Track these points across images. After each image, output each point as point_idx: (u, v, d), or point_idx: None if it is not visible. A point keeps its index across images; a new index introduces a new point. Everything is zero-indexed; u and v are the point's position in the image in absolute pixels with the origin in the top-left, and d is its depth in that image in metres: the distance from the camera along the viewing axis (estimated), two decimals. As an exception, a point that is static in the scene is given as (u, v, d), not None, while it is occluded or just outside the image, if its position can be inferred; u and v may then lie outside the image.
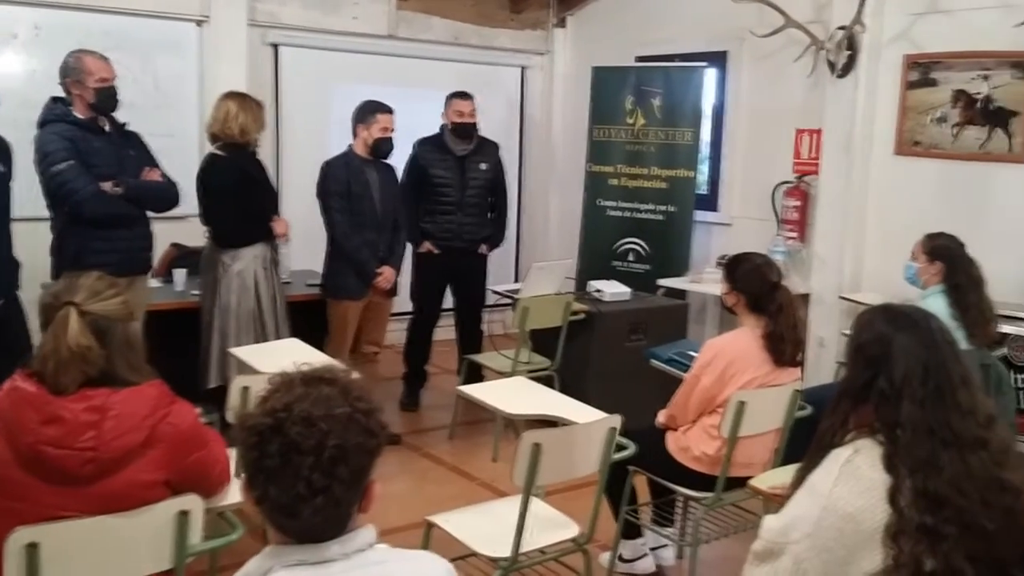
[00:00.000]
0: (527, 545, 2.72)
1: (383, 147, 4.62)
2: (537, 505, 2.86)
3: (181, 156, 5.08)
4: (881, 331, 1.82)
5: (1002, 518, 1.68)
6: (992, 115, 4.90)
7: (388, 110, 4.64)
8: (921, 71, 5.18)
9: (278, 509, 1.36)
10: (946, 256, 3.76)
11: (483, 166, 5.36)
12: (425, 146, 5.32)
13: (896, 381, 1.75)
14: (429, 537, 2.86)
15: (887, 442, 1.74)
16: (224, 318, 4.20)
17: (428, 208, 5.27)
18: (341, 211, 4.57)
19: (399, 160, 5.09)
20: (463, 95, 5.30)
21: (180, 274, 4.67)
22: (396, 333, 5.72)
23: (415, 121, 5.93)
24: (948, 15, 5.03)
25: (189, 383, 4.01)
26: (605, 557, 3.47)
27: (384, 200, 4.68)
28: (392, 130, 4.63)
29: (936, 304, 3.64)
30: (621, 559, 3.50)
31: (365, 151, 4.63)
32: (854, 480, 1.73)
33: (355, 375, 1.46)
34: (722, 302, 3.44)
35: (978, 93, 4.95)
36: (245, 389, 2.75)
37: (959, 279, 3.70)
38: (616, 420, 2.78)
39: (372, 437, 1.39)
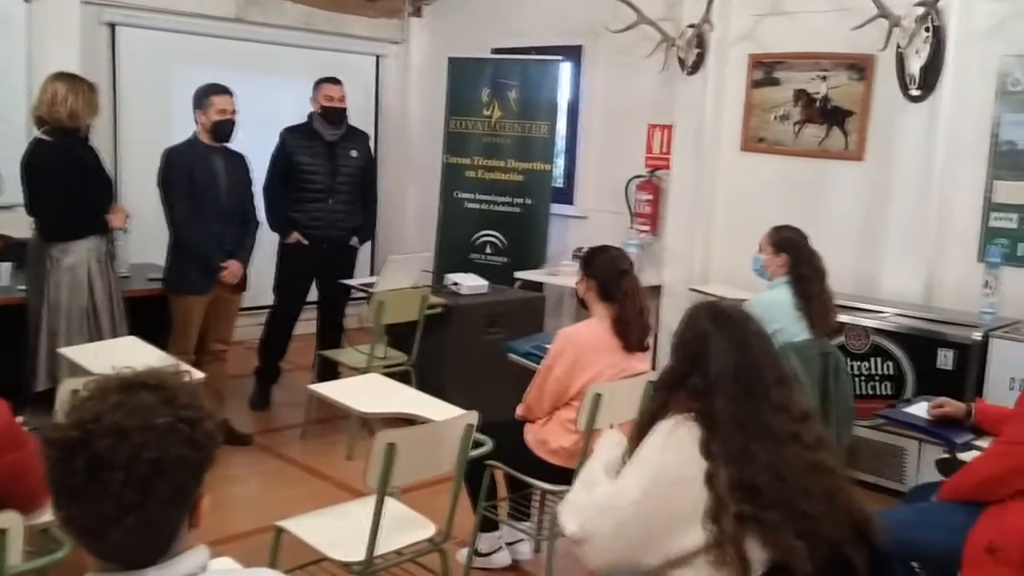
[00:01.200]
0: (382, 547, 2.64)
1: (223, 130, 4.39)
2: (392, 505, 2.78)
3: (6, 142, 4.72)
4: (702, 329, 1.92)
5: (823, 502, 1.77)
6: (830, 114, 5.13)
7: (224, 91, 4.42)
8: (765, 70, 5.36)
9: (85, 531, 1.22)
10: (791, 248, 3.89)
11: (354, 153, 5.23)
12: (292, 134, 5.16)
13: (710, 378, 1.85)
14: (279, 542, 2.74)
15: (703, 429, 1.83)
16: (54, 316, 3.92)
17: (296, 197, 5.10)
18: (183, 201, 4.33)
19: (256, 151, 4.88)
20: (333, 80, 5.18)
21: (5, 268, 4.34)
22: (246, 329, 5.50)
23: (267, 108, 5.73)
24: (789, 17, 5.23)
25: (17, 384, 3.73)
26: (463, 554, 3.42)
27: (231, 190, 4.47)
28: (232, 112, 4.41)
29: (781, 294, 3.78)
30: (477, 553, 3.47)
31: (209, 137, 4.41)
32: (678, 450, 1.83)
33: (186, 378, 1.33)
34: (576, 292, 3.46)
35: (817, 93, 5.17)
36: (75, 392, 2.54)
37: (803, 271, 3.83)
38: (473, 416, 2.73)
39: (197, 449, 1.25)
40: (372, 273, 6.37)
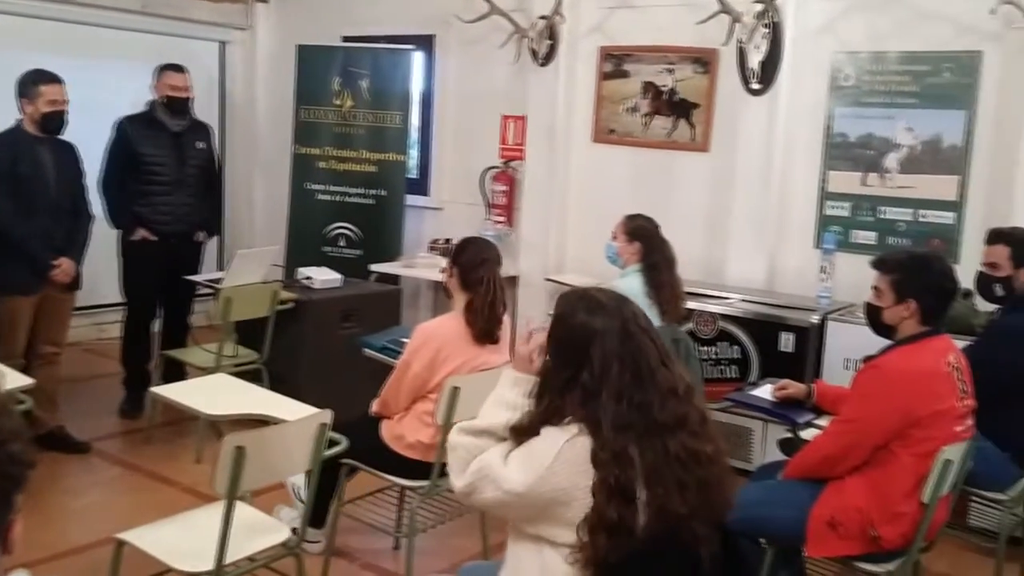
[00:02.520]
0: (233, 555, 2.52)
1: (53, 122, 4.10)
2: (244, 510, 2.67)
3: None
4: (581, 322, 1.86)
5: (696, 495, 1.77)
6: (677, 106, 5.27)
7: (55, 80, 4.12)
8: (615, 63, 5.46)
9: None
10: (644, 237, 3.98)
11: (200, 145, 4.96)
12: (134, 123, 4.82)
13: (595, 372, 1.80)
14: (119, 556, 2.58)
15: (592, 437, 1.79)
16: None
17: (141, 190, 4.79)
18: (7, 195, 4.02)
19: (89, 141, 4.57)
20: (176, 67, 4.87)
21: None
22: (81, 330, 5.18)
23: (101, 96, 5.41)
24: (637, 10, 5.33)
25: None
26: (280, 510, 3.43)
27: (61, 183, 4.18)
28: (63, 102, 4.13)
29: (633, 282, 3.85)
30: (293, 531, 3.41)
31: (36, 128, 4.11)
32: (572, 461, 1.78)
33: (-2, 392, 1.20)
34: (443, 284, 3.41)
35: (664, 85, 5.30)
36: None
37: (654, 259, 3.92)
38: (326, 415, 2.64)
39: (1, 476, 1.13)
40: (220, 268, 6.12)
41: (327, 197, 6.16)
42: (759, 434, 4.39)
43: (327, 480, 3.22)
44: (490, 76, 5.89)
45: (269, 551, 2.68)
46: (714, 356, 4.53)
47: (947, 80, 4.48)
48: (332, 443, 2.74)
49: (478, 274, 3.23)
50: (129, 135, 4.78)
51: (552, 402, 1.85)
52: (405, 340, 3.40)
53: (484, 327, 3.24)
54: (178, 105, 4.85)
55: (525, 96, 5.66)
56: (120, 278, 4.93)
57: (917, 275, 2.76)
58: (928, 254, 2.99)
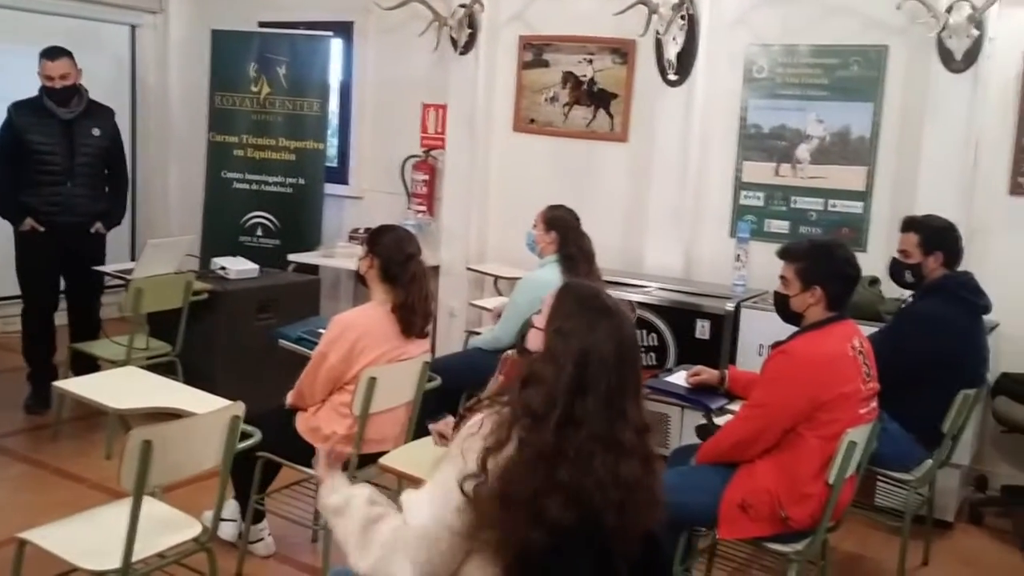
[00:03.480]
0: (142, 552, 2.46)
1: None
2: (154, 506, 2.61)
3: None
4: (584, 321, 1.74)
5: (634, 516, 1.73)
6: (596, 96, 5.31)
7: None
8: (535, 52, 5.46)
9: None
10: (560, 227, 4.00)
11: (96, 132, 4.75)
12: (21, 109, 4.61)
13: (587, 376, 1.70)
14: (22, 556, 2.50)
15: (549, 431, 1.70)
16: None
17: (29, 179, 4.60)
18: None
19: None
20: (51, 53, 4.58)
21: None
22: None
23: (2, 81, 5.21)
24: (557, 0, 5.35)
25: None
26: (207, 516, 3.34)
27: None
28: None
29: (551, 273, 3.87)
30: (240, 536, 3.38)
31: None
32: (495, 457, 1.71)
33: None
34: (357, 271, 3.37)
35: (584, 75, 5.33)
36: None
37: (570, 251, 3.95)
38: (238, 408, 2.60)
39: None
40: (133, 259, 5.95)
41: (244, 186, 6.04)
42: (676, 420, 4.46)
43: (245, 474, 3.18)
44: (410, 64, 5.85)
45: (180, 547, 2.62)
46: (633, 344, 4.57)
47: (855, 73, 4.60)
48: (246, 436, 2.69)
49: (406, 269, 3.19)
50: (15, 122, 4.59)
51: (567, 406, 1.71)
52: (322, 331, 3.36)
53: (422, 325, 3.22)
54: (58, 94, 4.59)
55: (446, 85, 5.63)
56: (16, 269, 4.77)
57: (821, 263, 2.83)
58: (830, 242, 3.07)
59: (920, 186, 4.36)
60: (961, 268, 3.81)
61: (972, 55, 4.21)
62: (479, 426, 1.75)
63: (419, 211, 5.71)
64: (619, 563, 1.76)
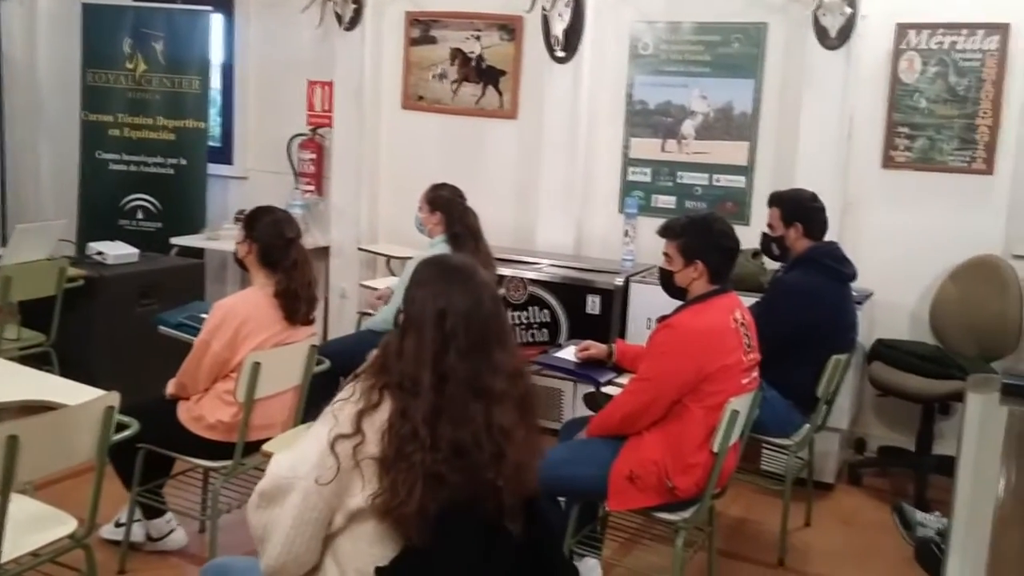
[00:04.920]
0: (12, 551, 2.34)
1: None
2: (25, 503, 2.49)
3: None
4: (438, 285, 1.81)
5: (512, 469, 1.76)
6: (485, 73, 5.28)
7: None
8: (422, 28, 5.40)
9: None
10: (444, 207, 3.97)
11: None
12: None
13: (446, 334, 1.74)
14: None
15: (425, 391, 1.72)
16: None
17: None
18: None
19: None
20: None
21: None
22: None
23: None
24: (442, -24, 5.30)
25: None
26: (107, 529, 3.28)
27: None
28: None
29: (440, 253, 3.84)
30: (149, 538, 3.29)
31: None
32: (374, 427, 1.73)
33: None
34: (234, 254, 3.28)
35: (472, 52, 5.30)
36: None
37: (456, 229, 3.93)
38: (113, 398, 2.49)
39: None
40: (1, 245, 5.66)
41: (122, 167, 5.80)
42: (569, 394, 4.51)
43: (130, 467, 3.08)
44: (294, 40, 5.70)
45: (55, 544, 2.51)
46: (525, 320, 4.60)
47: (736, 50, 4.70)
48: (123, 427, 2.59)
49: (286, 254, 3.11)
50: None
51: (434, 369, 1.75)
52: (204, 316, 3.26)
53: (306, 311, 3.15)
54: None
55: (332, 61, 5.51)
56: None
57: (701, 237, 2.89)
58: (708, 217, 3.14)
59: (799, 160, 4.49)
60: (838, 240, 3.96)
61: (846, 32, 4.35)
62: (351, 392, 1.77)
63: (307, 191, 5.60)
64: (507, 538, 1.77)
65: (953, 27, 4.29)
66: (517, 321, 4.58)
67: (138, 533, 3.28)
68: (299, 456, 1.78)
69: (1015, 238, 4.27)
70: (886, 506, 3.99)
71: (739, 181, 4.76)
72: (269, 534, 1.79)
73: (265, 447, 2.57)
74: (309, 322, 3.19)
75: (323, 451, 1.72)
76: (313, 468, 1.73)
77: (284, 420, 3.17)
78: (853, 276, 3.73)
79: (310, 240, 5.39)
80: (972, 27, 4.26)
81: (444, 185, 4.03)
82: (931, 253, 4.37)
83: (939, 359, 4.04)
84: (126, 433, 2.60)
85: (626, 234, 4.82)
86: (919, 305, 4.43)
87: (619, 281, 4.46)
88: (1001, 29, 4.21)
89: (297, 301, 3.10)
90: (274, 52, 5.83)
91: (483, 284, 1.84)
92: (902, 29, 4.38)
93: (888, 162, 4.48)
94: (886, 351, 4.20)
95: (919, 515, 3.28)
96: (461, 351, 1.73)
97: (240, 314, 3.06)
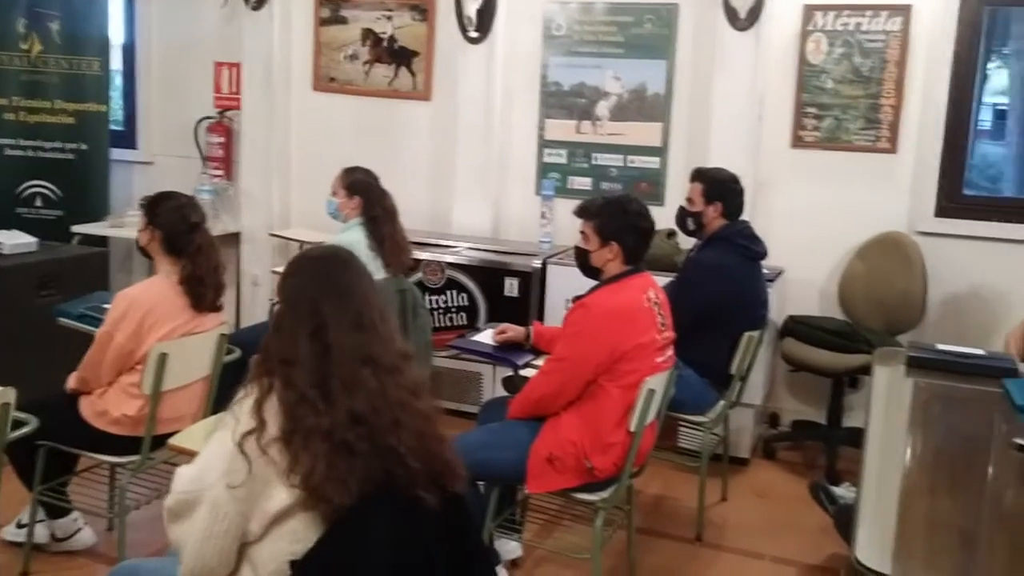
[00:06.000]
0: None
1: None
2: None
3: None
4: (309, 268, 1.85)
5: (413, 438, 1.74)
6: (397, 54, 5.20)
7: None
8: (332, 8, 5.28)
9: None
10: (363, 190, 3.89)
11: None
12: None
13: (324, 311, 1.75)
14: None
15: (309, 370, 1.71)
16: None
17: None
18: None
19: None
20: None
21: None
22: None
23: None
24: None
25: None
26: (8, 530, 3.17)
27: None
28: None
29: (355, 236, 3.77)
30: (54, 539, 3.17)
31: None
32: (272, 411, 1.70)
33: None
34: (136, 242, 3.16)
35: (384, 33, 5.21)
36: None
37: (375, 212, 3.86)
38: (8, 394, 2.38)
39: None
40: None
41: (18, 152, 5.53)
42: (489, 378, 4.49)
43: (26, 465, 2.95)
44: (199, 20, 5.52)
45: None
46: (443, 305, 4.56)
47: (648, 31, 4.72)
48: (18, 424, 2.47)
49: (190, 240, 3.01)
50: None
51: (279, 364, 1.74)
52: (106, 306, 3.13)
53: (209, 296, 3.05)
54: None
55: (239, 42, 5.35)
56: None
57: (616, 218, 2.89)
58: (623, 197, 3.15)
59: (712, 141, 4.54)
60: (750, 218, 4.01)
61: (755, 13, 4.40)
62: (245, 392, 1.74)
63: (216, 175, 5.44)
64: (424, 512, 1.74)
65: (858, 8, 4.39)
66: (435, 305, 4.54)
67: (42, 534, 3.15)
68: (203, 466, 1.75)
69: (918, 215, 4.41)
70: (800, 479, 4.09)
71: (654, 162, 4.79)
72: (180, 548, 1.76)
73: (171, 441, 2.48)
74: (217, 309, 3.09)
75: (230, 454, 1.68)
76: (222, 475, 1.69)
77: (194, 412, 3.08)
78: (764, 254, 3.80)
79: (220, 226, 5.26)
80: (876, 8, 4.36)
81: (358, 168, 3.95)
82: (839, 230, 4.47)
83: (847, 334, 4.15)
84: (23, 431, 2.49)
85: (543, 216, 4.82)
86: (828, 281, 4.53)
87: (537, 263, 4.46)
88: (904, 11, 4.32)
89: (203, 287, 3.00)
90: (178, 32, 5.63)
91: (357, 268, 1.87)
92: (809, 10, 4.46)
93: (797, 142, 4.56)
94: (797, 327, 4.30)
95: (838, 490, 3.37)
96: (342, 324, 1.75)
97: (144, 304, 2.94)
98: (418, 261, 4.47)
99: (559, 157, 4.96)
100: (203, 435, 2.50)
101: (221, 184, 5.42)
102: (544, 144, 4.98)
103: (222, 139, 5.49)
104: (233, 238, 5.39)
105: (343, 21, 5.27)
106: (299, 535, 1.69)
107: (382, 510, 1.71)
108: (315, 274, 1.82)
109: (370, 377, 1.72)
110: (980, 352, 3.18)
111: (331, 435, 1.66)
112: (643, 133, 4.79)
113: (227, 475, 1.68)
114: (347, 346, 1.73)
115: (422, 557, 1.71)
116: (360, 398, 1.70)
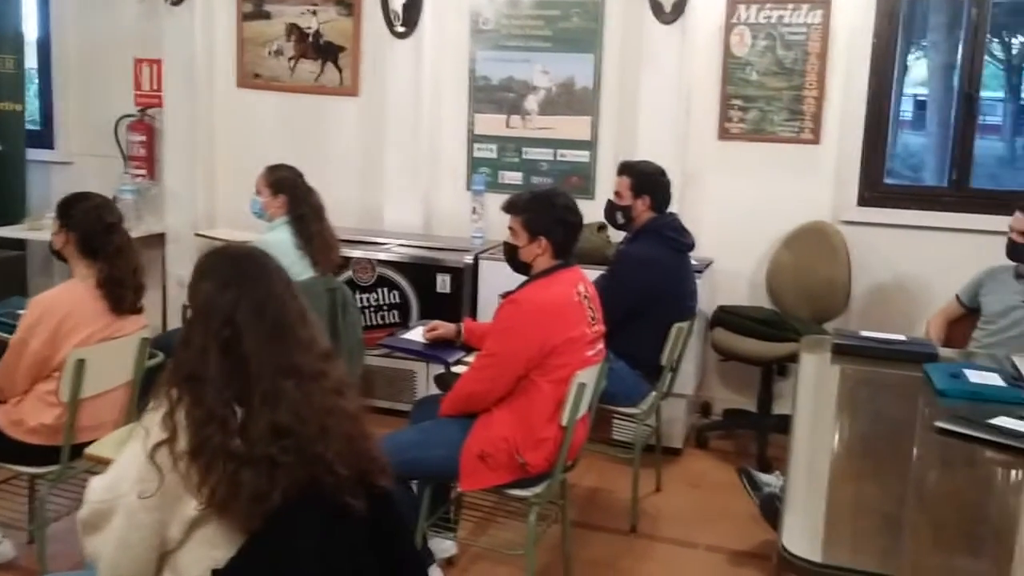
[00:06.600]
0: None
1: None
2: None
3: None
4: (224, 277, 1.74)
5: (341, 443, 1.71)
6: (323, 49, 5.13)
7: None
8: (255, 3, 5.19)
9: None
10: (288, 188, 3.82)
11: None
12: None
13: (238, 321, 1.68)
14: None
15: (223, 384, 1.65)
16: None
17: None
18: None
19: None
20: None
21: None
22: None
23: None
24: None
25: None
26: None
27: None
28: None
29: (282, 235, 3.70)
30: None
31: None
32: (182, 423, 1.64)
33: None
34: (50, 246, 3.06)
35: (309, 28, 5.12)
36: None
37: (302, 210, 3.79)
38: (-87, 407, 2.28)
39: None
40: None
41: (-71, 154, 5.34)
42: (422, 375, 4.46)
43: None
44: (117, 16, 5.37)
45: None
46: (375, 303, 4.51)
47: (576, 25, 4.72)
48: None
49: (108, 241, 2.92)
50: None
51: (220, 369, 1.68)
52: (21, 312, 3.02)
53: (129, 298, 2.96)
54: None
55: (160, 38, 5.21)
56: None
57: (544, 212, 2.88)
58: (550, 192, 3.14)
59: (640, 134, 4.56)
60: (679, 210, 4.05)
61: (680, 7, 4.43)
62: (155, 403, 1.68)
63: (138, 175, 5.31)
64: (352, 519, 1.71)
65: (780, 2, 4.45)
66: (367, 303, 4.49)
67: None
68: (116, 475, 1.69)
69: (841, 204, 4.49)
70: (732, 467, 4.13)
71: (583, 156, 4.80)
72: (96, 561, 1.70)
73: (88, 450, 2.40)
74: (137, 311, 3.00)
75: (142, 465, 1.63)
76: (134, 484, 1.64)
77: (115, 419, 2.99)
78: (692, 246, 3.83)
79: (144, 227, 5.14)
80: (797, 2, 4.42)
81: (282, 166, 3.87)
82: (766, 221, 4.53)
83: (776, 323, 4.21)
84: (-70, 444, 2.39)
85: (474, 211, 4.79)
86: (756, 271, 4.60)
87: (469, 259, 4.43)
88: (824, 3, 4.39)
89: (122, 289, 2.91)
90: (95, 28, 5.47)
91: (273, 270, 1.79)
92: (732, 4, 4.50)
93: (723, 134, 4.61)
94: (726, 317, 4.35)
95: (764, 476, 3.41)
96: (259, 335, 1.67)
97: (60, 309, 2.85)
98: (348, 259, 4.41)
99: (489, 152, 4.94)
100: (118, 444, 2.44)
101: (144, 184, 5.29)
102: (474, 139, 4.96)
103: (144, 138, 5.35)
104: (158, 239, 5.26)
105: (267, 16, 5.18)
106: (218, 540, 1.65)
107: (308, 518, 1.67)
108: (228, 278, 1.73)
109: (292, 388, 1.67)
110: (902, 338, 3.26)
111: (241, 455, 1.60)
112: (572, 127, 4.79)
113: (140, 484, 1.63)
114: (265, 358, 1.67)
115: (350, 565, 1.69)
116: (283, 410, 1.65)
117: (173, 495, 1.63)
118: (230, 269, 1.75)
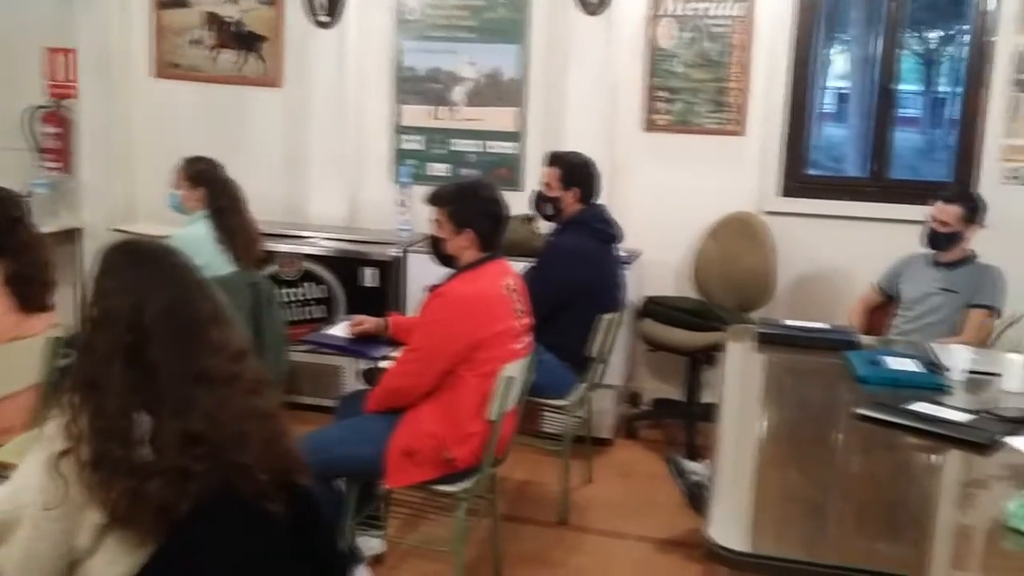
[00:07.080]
0: None
1: None
2: None
3: None
4: (130, 275, 1.65)
5: (260, 446, 1.65)
6: (244, 39, 5.01)
7: None
8: (172, -10, 5.04)
9: None
10: (207, 181, 3.72)
11: None
12: None
13: (145, 325, 1.59)
14: None
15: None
16: None
17: None
18: None
19: None
20: None
21: None
22: None
23: None
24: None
25: None
26: None
27: None
28: None
29: (201, 229, 3.61)
30: None
31: None
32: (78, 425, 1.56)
33: None
34: None
35: (229, 17, 5.00)
36: None
37: (221, 203, 3.69)
38: None
39: None
40: None
41: None
42: (349, 371, 4.39)
43: None
44: (26, 3, 5.16)
45: None
46: (300, 297, 4.43)
47: (501, 15, 4.69)
48: None
49: (13, 235, 2.79)
50: None
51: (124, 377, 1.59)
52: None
53: (42, 294, 2.83)
54: None
55: (73, 27, 5.03)
56: None
57: (468, 204, 2.85)
58: (475, 183, 3.11)
59: (567, 125, 4.56)
60: (607, 201, 4.05)
61: (606, -1, 4.44)
62: (58, 410, 1.59)
63: (52, 168, 5.12)
64: (272, 523, 1.66)
65: (704, -6, 4.48)
66: (292, 298, 4.40)
67: None
68: (18, 485, 1.61)
69: (764, 195, 4.55)
70: (662, 456, 4.15)
71: (510, 147, 4.78)
72: (2, 574, 1.61)
73: (-8, 455, 2.29)
74: (47, 309, 2.88)
75: (44, 475, 1.55)
76: (38, 493, 1.56)
77: (24, 422, 2.86)
78: (620, 237, 3.84)
79: (58, 222, 4.96)
80: (721, -6, 4.46)
81: (200, 158, 3.77)
82: (693, 212, 4.57)
83: (702, 312, 4.25)
84: None
85: (401, 204, 4.73)
86: (683, 262, 4.63)
87: (396, 252, 4.38)
88: (747, -4, 4.44)
89: (30, 286, 2.78)
90: (2, 16, 5.25)
91: (182, 267, 1.70)
92: (657, -5, 4.53)
93: (650, 125, 4.63)
94: (654, 307, 4.37)
95: (690, 464, 3.43)
96: (167, 341, 1.59)
97: (-38, 309, 2.72)
98: (271, 253, 4.32)
99: (416, 144, 4.89)
100: (22, 450, 2.35)
101: (58, 177, 5.10)
102: (400, 130, 4.90)
103: (58, 129, 5.16)
104: (74, 234, 5.09)
105: (185, 5, 5.03)
106: (131, 547, 1.58)
107: (223, 526, 1.62)
108: (132, 278, 1.64)
109: (205, 394, 1.59)
110: (824, 326, 3.31)
111: (146, 467, 1.53)
112: (499, 118, 4.77)
113: (44, 494, 1.55)
114: (175, 364, 1.59)
115: (270, 570, 1.64)
116: (195, 418, 1.57)
117: (79, 504, 1.56)
118: (134, 269, 1.66)
